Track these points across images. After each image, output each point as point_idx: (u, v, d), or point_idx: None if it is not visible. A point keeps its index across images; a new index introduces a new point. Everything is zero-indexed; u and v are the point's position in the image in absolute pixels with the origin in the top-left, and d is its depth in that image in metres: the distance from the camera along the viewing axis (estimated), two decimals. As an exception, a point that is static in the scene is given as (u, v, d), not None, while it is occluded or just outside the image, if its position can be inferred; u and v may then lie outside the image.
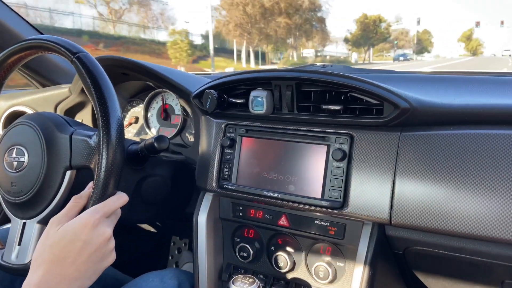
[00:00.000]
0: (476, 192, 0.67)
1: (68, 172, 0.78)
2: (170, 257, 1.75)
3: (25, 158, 0.81)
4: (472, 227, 0.67)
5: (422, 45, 79.20)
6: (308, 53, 45.42)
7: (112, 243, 0.67)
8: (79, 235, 0.63)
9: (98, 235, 0.64)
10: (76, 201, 0.70)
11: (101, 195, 0.70)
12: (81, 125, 0.86)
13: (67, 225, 0.65)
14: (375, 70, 1.24)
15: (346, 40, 57.15)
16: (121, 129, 0.71)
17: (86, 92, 0.72)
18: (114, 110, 0.70)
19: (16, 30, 1.14)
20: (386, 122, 0.75)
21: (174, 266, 1.68)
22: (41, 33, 1.29)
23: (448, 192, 0.69)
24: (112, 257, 0.67)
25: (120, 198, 0.71)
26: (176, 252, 1.77)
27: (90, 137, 0.75)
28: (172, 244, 1.76)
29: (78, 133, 0.78)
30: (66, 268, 0.61)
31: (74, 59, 0.72)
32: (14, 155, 0.82)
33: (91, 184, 0.73)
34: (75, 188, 0.79)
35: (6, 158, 0.83)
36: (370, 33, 55.41)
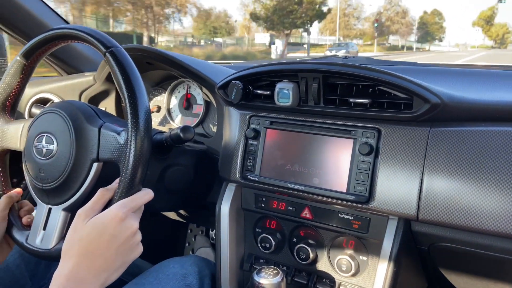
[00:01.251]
0: (506, 190, 0.66)
1: (95, 164, 0.80)
2: (187, 244, 1.78)
3: (54, 147, 0.82)
4: (501, 225, 0.66)
5: (427, 30, 63.07)
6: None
7: (139, 236, 0.69)
8: (107, 228, 0.65)
9: (126, 229, 0.66)
10: (102, 193, 0.72)
11: (129, 185, 0.71)
12: (110, 116, 0.87)
13: (96, 218, 0.66)
14: (399, 62, 1.22)
15: (253, 17, 32.32)
16: (149, 122, 0.73)
17: (116, 85, 0.73)
18: (143, 105, 0.72)
19: (43, 19, 1.15)
20: (416, 117, 0.74)
21: (190, 253, 1.71)
22: (68, 23, 1.30)
23: (477, 190, 0.68)
24: (139, 250, 0.69)
25: (147, 194, 0.72)
26: (193, 239, 1.79)
27: (119, 133, 0.77)
28: (189, 231, 1.79)
29: (107, 127, 0.79)
30: (95, 260, 0.63)
31: (107, 53, 0.73)
32: (43, 142, 0.84)
33: (118, 180, 0.75)
34: (101, 180, 0.81)
35: (36, 144, 0.85)
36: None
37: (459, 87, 0.86)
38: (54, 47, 0.85)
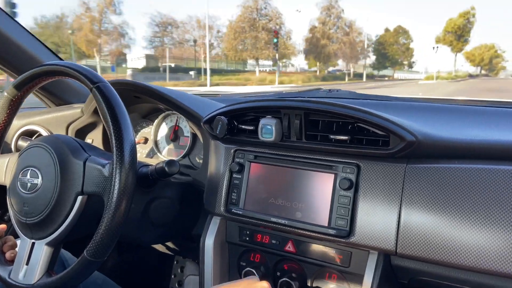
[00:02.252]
0: (480, 226, 0.68)
1: (79, 198, 0.80)
2: (172, 276, 1.75)
3: (38, 181, 0.83)
4: (477, 261, 0.68)
5: (386, 52, 45.24)
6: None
7: None
8: None
9: None
10: None
11: (113, 217, 0.72)
12: (95, 149, 0.88)
13: None
14: (381, 97, 1.27)
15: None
16: (134, 156, 0.74)
17: (102, 120, 0.75)
18: (128, 139, 0.74)
19: (34, 53, 1.18)
20: (392, 153, 0.77)
21: (176, 285, 1.69)
22: (60, 58, 1.32)
23: (453, 225, 0.70)
24: None
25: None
26: (179, 270, 1.77)
27: (103, 166, 0.78)
28: (175, 262, 1.76)
29: (92, 160, 0.80)
30: None
31: (93, 88, 0.75)
32: (28, 176, 0.84)
33: None
34: (85, 213, 0.82)
35: (21, 178, 0.85)
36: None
37: (436, 124, 0.89)
38: (42, 83, 0.87)
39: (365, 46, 44.60)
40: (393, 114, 0.81)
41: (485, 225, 0.68)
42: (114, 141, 0.73)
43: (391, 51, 46.37)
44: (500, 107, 1.03)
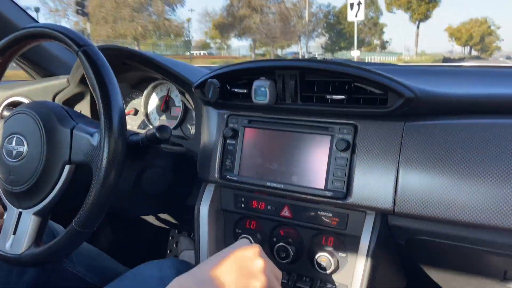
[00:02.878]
0: (480, 181, 0.67)
1: (67, 167, 0.78)
2: (168, 251, 1.74)
3: (24, 148, 0.80)
4: (475, 216, 0.67)
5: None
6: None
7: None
8: None
9: None
10: None
11: (101, 187, 0.70)
12: (83, 117, 0.85)
13: None
14: (379, 64, 1.24)
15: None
16: (123, 122, 0.71)
17: (89, 85, 0.72)
18: (117, 104, 0.71)
19: (13, 19, 1.12)
20: (390, 112, 0.75)
21: (172, 259, 1.68)
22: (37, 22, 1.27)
23: (451, 182, 0.69)
24: None
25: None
26: (174, 246, 1.76)
27: (92, 134, 0.75)
28: (170, 238, 1.76)
29: (80, 128, 0.78)
30: None
31: (80, 51, 0.71)
32: (13, 144, 0.81)
33: None
34: (73, 182, 0.79)
35: (6, 146, 0.82)
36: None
37: (433, 82, 0.87)
38: (25, 47, 0.83)
39: (306, 19, 31.35)
40: (389, 74, 0.78)
41: (484, 179, 0.67)
42: (101, 108, 0.70)
43: (349, 27, 32.22)
44: (495, 69, 1.01)
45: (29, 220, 0.81)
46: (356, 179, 0.77)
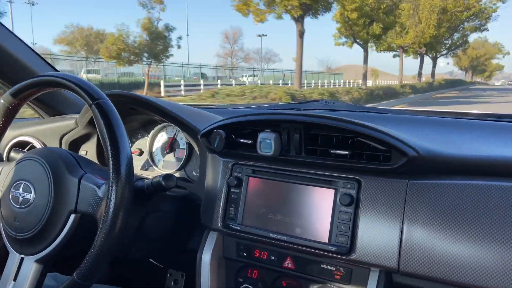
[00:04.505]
0: (483, 243, 0.67)
1: (72, 216, 0.79)
2: (166, 289, 1.71)
3: (31, 196, 0.81)
4: (481, 279, 0.67)
5: None
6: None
7: None
8: None
9: None
10: None
11: (106, 238, 0.70)
12: (91, 165, 0.86)
13: None
14: (379, 109, 1.27)
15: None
16: (131, 172, 0.73)
17: (100, 136, 0.74)
18: (126, 156, 0.73)
19: (30, 65, 1.16)
20: (394, 169, 0.76)
21: (170, 299, 1.65)
22: (55, 69, 1.30)
23: (456, 243, 0.69)
24: None
25: None
26: (172, 283, 1.74)
27: (99, 186, 0.76)
28: (168, 275, 1.73)
29: (88, 178, 0.79)
30: None
31: (93, 105, 0.73)
32: (20, 190, 0.82)
33: None
34: (77, 231, 0.80)
35: (13, 191, 0.83)
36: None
37: (437, 138, 0.89)
38: (40, 92, 0.86)
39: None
40: (393, 128, 0.80)
41: (489, 242, 0.67)
42: (111, 160, 0.71)
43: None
44: (497, 121, 1.03)
45: (31, 267, 0.80)
46: (360, 234, 0.77)
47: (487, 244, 0.67)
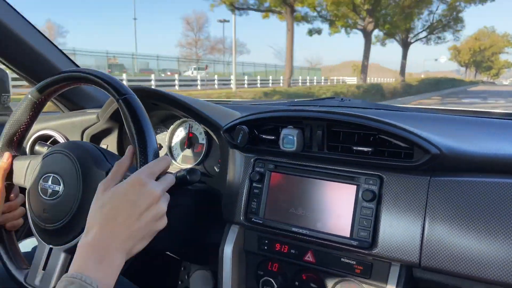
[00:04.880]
0: (505, 239, 0.69)
1: None
2: (179, 282, 1.74)
3: (60, 188, 0.83)
4: (501, 274, 0.68)
5: None
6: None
7: (163, 206, 0.67)
8: (128, 194, 0.64)
9: (148, 195, 0.65)
10: (119, 164, 0.72)
11: None
12: (116, 158, 0.88)
13: (116, 187, 0.67)
14: (395, 107, 1.28)
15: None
16: None
17: (127, 130, 0.76)
18: (152, 149, 0.75)
19: (53, 61, 1.18)
20: (416, 166, 0.77)
21: (184, 290, 1.68)
22: (78, 66, 1.33)
23: (477, 239, 0.71)
24: (163, 222, 0.68)
25: (164, 159, 0.72)
26: (186, 277, 1.76)
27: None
28: (182, 268, 1.76)
29: None
30: (118, 227, 0.62)
31: (120, 100, 0.75)
32: (49, 182, 0.84)
33: (130, 147, 0.75)
34: None
35: (42, 184, 0.85)
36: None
37: (457, 136, 0.90)
38: (66, 88, 0.88)
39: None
40: (412, 125, 0.81)
41: (508, 237, 0.68)
42: (138, 153, 0.73)
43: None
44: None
45: (60, 257, 0.83)
46: (382, 229, 0.79)
47: (509, 240, 0.68)
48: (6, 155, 0.89)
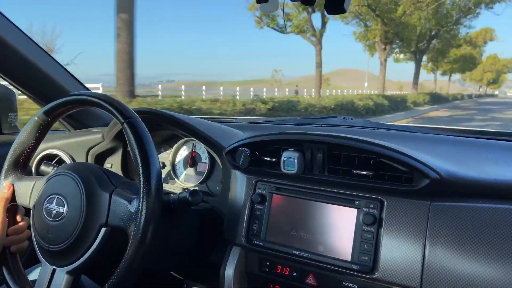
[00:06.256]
0: (505, 266, 0.68)
1: (103, 229, 0.82)
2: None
3: (64, 209, 0.84)
4: None
5: None
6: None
7: None
8: None
9: None
10: None
11: (137, 251, 0.73)
12: (121, 180, 0.89)
13: None
14: (397, 126, 1.28)
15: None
16: (160, 188, 0.76)
17: (131, 153, 0.77)
18: (155, 172, 0.76)
19: (62, 83, 1.21)
20: (416, 191, 0.77)
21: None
22: (86, 88, 1.35)
23: (478, 264, 0.70)
24: None
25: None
26: (188, 294, 1.75)
27: (130, 201, 0.79)
28: (185, 286, 1.75)
29: (118, 193, 0.82)
30: None
31: (125, 123, 0.77)
32: (54, 204, 0.86)
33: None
34: (107, 244, 0.83)
35: (46, 205, 0.86)
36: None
37: (457, 160, 0.90)
38: (71, 110, 0.90)
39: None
40: (413, 147, 0.82)
41: (509, 263, 0.68)
42: (142, 176, 0.75)
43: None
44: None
45: (62, 278, 0.83)
46: (383, 254, 0.79)
47: (509, 267, 0.68)
48: (8, 185, 0.91)
